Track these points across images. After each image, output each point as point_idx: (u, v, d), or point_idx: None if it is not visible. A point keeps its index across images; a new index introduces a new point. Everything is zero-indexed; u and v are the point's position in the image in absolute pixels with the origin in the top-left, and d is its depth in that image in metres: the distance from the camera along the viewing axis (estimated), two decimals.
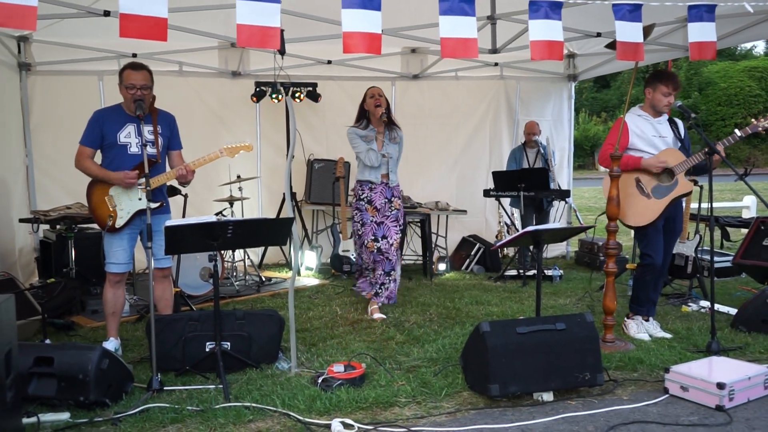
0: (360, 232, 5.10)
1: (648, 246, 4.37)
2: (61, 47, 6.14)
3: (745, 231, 6.86)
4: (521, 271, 6.56)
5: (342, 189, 6.68)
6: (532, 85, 7.86)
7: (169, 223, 3.36)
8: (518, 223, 7.37)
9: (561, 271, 6.67)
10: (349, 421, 3.03)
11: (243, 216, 6.46)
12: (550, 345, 3.34)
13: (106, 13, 4.18)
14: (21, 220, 5.67)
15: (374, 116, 5.00)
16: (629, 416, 3.13)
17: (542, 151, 6.91)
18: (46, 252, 5.77)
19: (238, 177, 6.30)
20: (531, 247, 6.63)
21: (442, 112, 7.70)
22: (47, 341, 4.09)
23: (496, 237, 7.84)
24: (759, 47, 36.21)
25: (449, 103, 7.71)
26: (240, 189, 6.36)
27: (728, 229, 7.26)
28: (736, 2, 4.11)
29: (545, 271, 6.53)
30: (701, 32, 3.80)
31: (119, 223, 3.93)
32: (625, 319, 4.59)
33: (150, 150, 3.94)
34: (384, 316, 5.03)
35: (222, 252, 6.05)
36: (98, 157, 4.01)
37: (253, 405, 3.19)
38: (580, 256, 7.65)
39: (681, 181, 4.30)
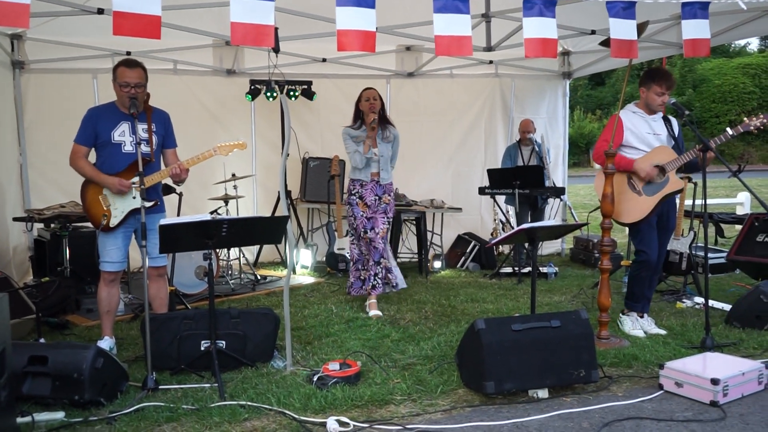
0: (354, 225, 5.26)
1: (642, 242, 4.38)
2: (55, 45, 6.11)
3: (739, 227, 6.89)
4: (516, 268, 6.56)
5: (337, 187, 6.68)
6: (527, 82, 7.86)
7: (163, 221, 3.35)
8: (513, 220, 7.38)
9: (556, 269, 6.68)
10: (344, 419, 3.03)
11: (238, 214, 6.45)
12: (545, 342, 3.34)
13: (100, 11, 4.16)
14: (15, 219, 5.64)
15: (366, 119, 5.11)
16: (624, 412, 3.14)
17: (537, 149, 6.92)
18: (41, 251, 5.75)
19: (233, 175, 6.29)
20: (526, 245, 6.66)
21: (437, 109, 7.69)
22: (41, 340, 4.08)
23: (492, 234, 7.85)
24: (753, 44, 36.37)
25: (444, 101, 7.70)
26: (235, 187, 6.35)
27: (722, 225, 7.28)
28: None
29: (540, 269, 6.55)
30: (695, 29, 3.80)
31: (113, 222, 3.91)
32: (620, 315, 4.60)
33: (144, 148, 3.93)
34: (380, 314, 5.06)
35: (217, 250, 6.04)
36: (92, 156, 4.00)
37: (249, 404, 3.19)
38: (575, 254, 7.66)
39: (672, 179, 4.31)
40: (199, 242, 3.48)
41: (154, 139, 4.01)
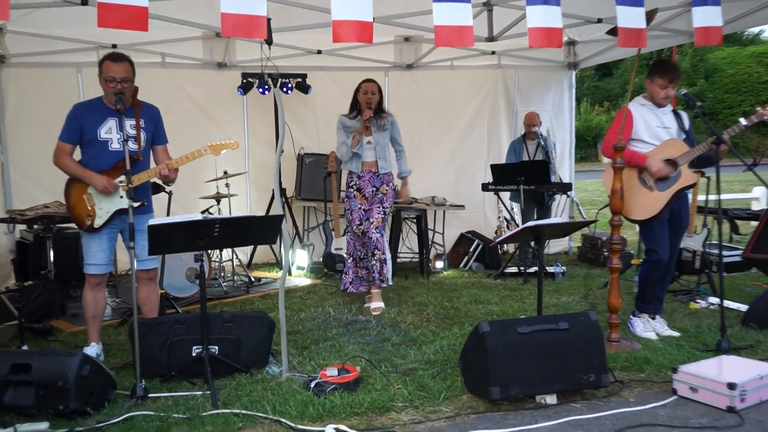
0: (350, 218, 5.34)
1: (653, 241, 4.37)
2: (38, 38, 6.08)
3: (755, 224, 6.87)
4: (522, 268, 6.56)
5: (334, 184, 6.66)
6: (531, 74, 7.85)
7: (152, 221, 3.34)
8: (518, 218, 7.36)
9: (563, 268, 6.67)
10: (343, 427, 3.02)
11: (230, 213, 6.43)
12: (552, 345, 3.34)
13: (84, 2, 4.15)
14: None
15: (362, 115, 5.18)
16: (636, 419, 3.14)
17: (543, 143, 6.91)
18: (23, 253, 5.74)
19: (225, 173, 6.28)
20: (532, 243, 6.65)
21: (438, 103, 7.68)
22: (24, 347, 4.07)
23: (496, 233, 7.84)
24: (767, 32, 36.34)
25: (445, 94, 7.69)
26: (227, 185, 6.33)
27: (737, 221, 7.28)
28: None
29: (547, 268, 6.54)
30: (706, 17, 3.79)
31: (98, 222, 3.90)
32: (631, 317, 4.60)
33: (132, 146, 3.91)
34: (382, 305, 5.14)
35: (209, 252, 6.03)
36: (77, 154, 3.98)
37: (243, 412, 3.18)
38: (583, 252, 7.66)
39: (684, 173, 4.30)
40: (189, 243, 3.47)
41: (143, 135, 3.99)
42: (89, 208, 3.90)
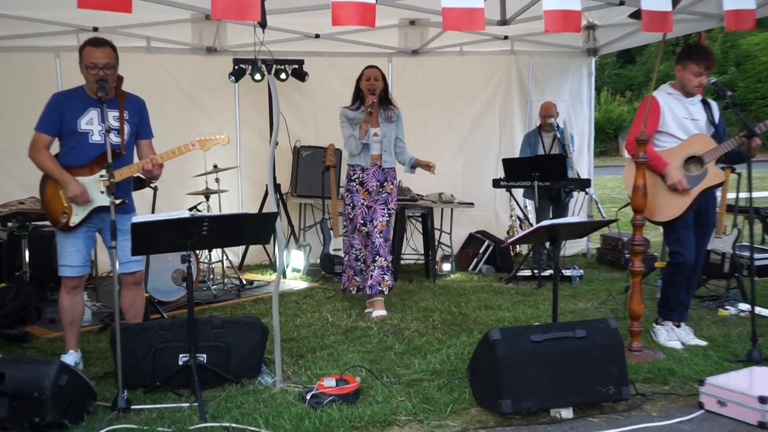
0: (351, 215, 5.34)
1: (677, 243, 4.37)
2: (12, 20, 6.08)
3: None
4: (536, 271, 6.55)
5: (332, 179, 6.66)
6: (547, 60, 7.84)
7: (136, 219, 3.34)
8: (532, 216, 7.36)
9: (581, 271, 6.67)
10: None
11: (220, 211, 6.44)
12: (568, 355, 3.33)
13: None
14: None
15: (365, 102, 5.19)
16: None
17: (559, 136, 6.90)
18: None
19: (215, 167, 6.28)
20: (547, 244, 6.66)
21: (445, 91, 7.68)
22: None
23: (508, 233, 7.84)
24: None
25: (453, 82, 7.68)
26: (217, 180, 6.34)
27: None
28: None
29: (563, 271, 6.53)
30: None
31: (74, 220, 3.90)
32: (654, 324, 4.59)
33: (114, 139, 3.91)
34: (384, 313, 5.18)
35: (197, 252, 6.03)
36: (55, 146, 3.98)
37: (233, 425, 3.18)
38: (602, 254, 7.65)
39: (711, 171, 4.29)
40: (176, 243, 3.47)
41: (126, 128, 4.00)
42: (65, 204, 3.90)
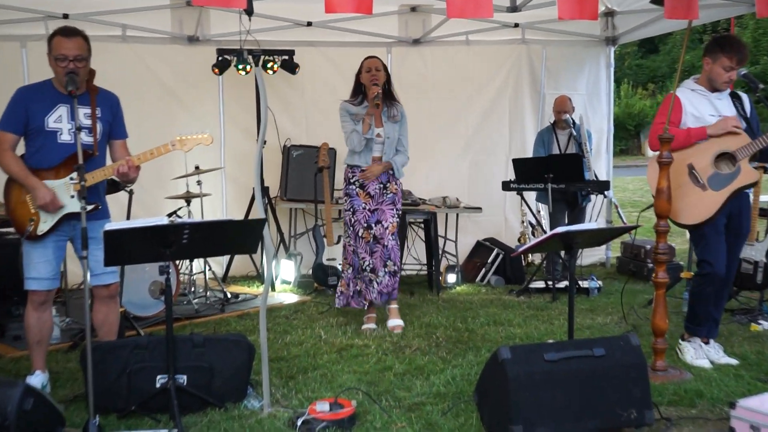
0: (351, 222, 5.32)
1: (706, 250, 4.37)
2: None
3: None
4: (550, 282, 6.55)
5: (326, 182, 6.66)
6: (562, 50, 7.85)
7: (109, 226, 3.33)
8: (546, 222, 7.35)
9: (599, 283, 6.67)
10: None
11: (202, 217, 6.44)
12: (586, 375, 3.33)
13: None
14: None
15: (369, 94, 5.17)
16: None
17: (575, 133, 6.90)
18: None
19: (197, 168, 6.28)
20: (562, 253, 6.65)
21: (450, 85, 7.69)
22: None
23: (519, 240, 7.83)
24: None
25: (458, 74, 7.69)
26: (199, 183, 6.33)
27: None
28: None
29: (580, 283, 6.53)
30: None
31: (42, 228, 3.90)
32: (680, 341, 4.59)
33: (85, 138, 3.91)
34: (374, 327, 5.21)
35: (177, 262, 6.02)
36: (20, 147, 3.98)
37: None
38: (623, 264, 7.65)
39: (744, 169, 4.29)
40: (154, 252, 3.46)
41: (99, 126, 4.00)
42: (32, 210, 3.89)
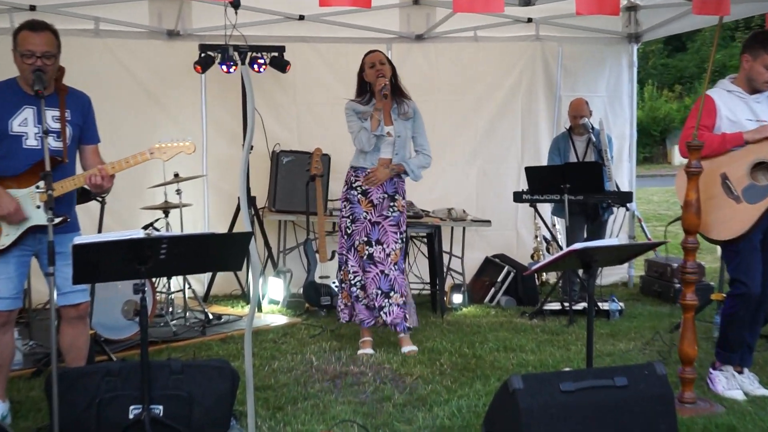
0: (349, 231, 5.32)
1: (740, 269, 4.36)
2: None
3: None
4: (566, 304, 6.54)
5: (319, 192, 6.67)
6: (580, 48, 7.88)
7: (79, 240, 3.33)
8: (562, 238, 7.35)
9: (621, 305, 6.66)
10: None
11: (182, 229, 6.43)
12: (606, 408, 3.32)
13: None
14: None
15: (376, 87, 5.20)
16: None
17: (594, 139, 6.92)
18: None
19: (176, 176, 6.28)
20: (580, 272, 6.64)
21: (456, 86, 7.71)
22: None
23: (532, 257, 7.83)
24: None
25: (466, 74, 7.72)
26: (178, 192, 6.33)
27: None
28: None
29: (599, 305, 6.52)
30: None
31: (4, 242, 3.89)
32: (711, 370, 4.58)
33: (54, 143, 3.91)
34: (371, 352, 5.22)
35: (153, 280, 6.02)
36: None
37: None
38: (647, 284, 7.64)
39: None
40: (128, 269, 3.46)
41: (68, 130, 4.00)
42: None
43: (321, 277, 6.67)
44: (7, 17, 6.36)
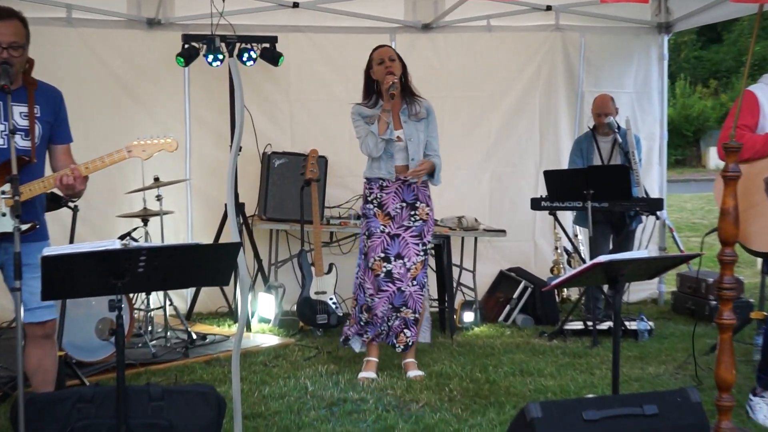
0: (365, 248, 5.35)
1: None
2: None
3: None
4: (590, 323, 6.54)
5: (315, 198, 6.67)
6: (604, 39, 7.90)
7: (48, 251, 3.33)
8: (585, 249, 7.35)
9: (651, 324, 6.65)
10: None
11: (163, 240, 6.44)
12: None
13: None
14: None
15: (383, 85, 5.23)
16: None
17: (620, 140, 6.92)
18: None
19: (156, 180, 6.29)
20: (605, 287, 6.63)
21: (467, 80, 7.73)
22: None
23: (552, 271, 7.82)
24: None
25: (478, 68, 7.74)
26: (158, 198, 6.33)
27: None
28: None
29: (626, 324, 6.52)
30: None
31: None
32: (751, 397, 4.57)
33: (22, 142, 3.92)
34: (373, 376, 5.23)
35: (131, 296, 6.02)
36: None
37: None
38: (679, 301, 7.64)
39: None
40: (102, 283, 3.45)
41: (38, 128, 4.00)
42: None
43: (317, 293, 6.66)
44: None
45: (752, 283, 7.87)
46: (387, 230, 5.29)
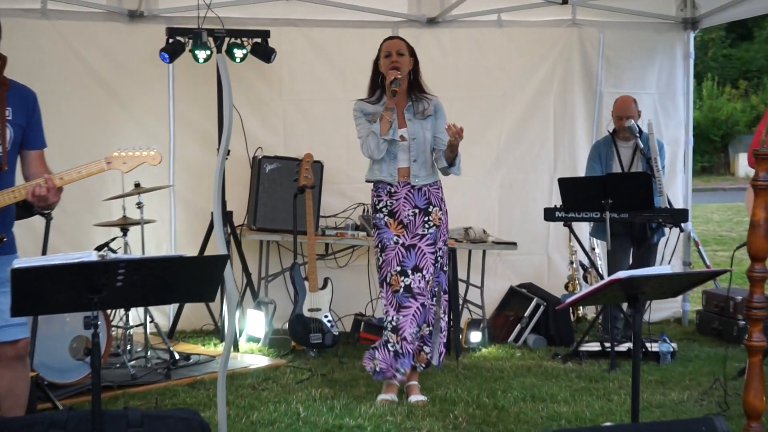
0: (381, 262, 5.33)
1: None
2: None
3: None
4: (607, 345, 6.54)
5: (309, 206, 6.68)
6: (625, 35, 7.92)
7: (18, 263, 3.34)
8: (602, 264, 7.35)
9: (674, 345, 6.65)
10: None
11: (143, 251, 6.45)
12: None
13: None
14: None
15: (386, 79, 5.23)
16: None
17: (642, 146, 6.93)
18: None
19: (137, 186, 6.29)
20: (624, 306, 6.63)
21: (476, 79, 7.75)
22: None
23: (566, 288, 7.82)
24: None
25: (487, 66, 7.76)
26: (139, 206, 6.34)
27: None
28: None
29: (647, 345, 6.52)
30: None
31: None
32: None
33: None
34: (395, 399, 5.23)
35: (108, 312, 6.02)
36: None
37: None
38: (705, 320, 7.63)
39: None
40: (77, 298, 3.46)
41: (9, 132, 4.01)
42: None
43: (310, 310, 6.66)
44: None
45: None
46: (401, 241, 5.26)
